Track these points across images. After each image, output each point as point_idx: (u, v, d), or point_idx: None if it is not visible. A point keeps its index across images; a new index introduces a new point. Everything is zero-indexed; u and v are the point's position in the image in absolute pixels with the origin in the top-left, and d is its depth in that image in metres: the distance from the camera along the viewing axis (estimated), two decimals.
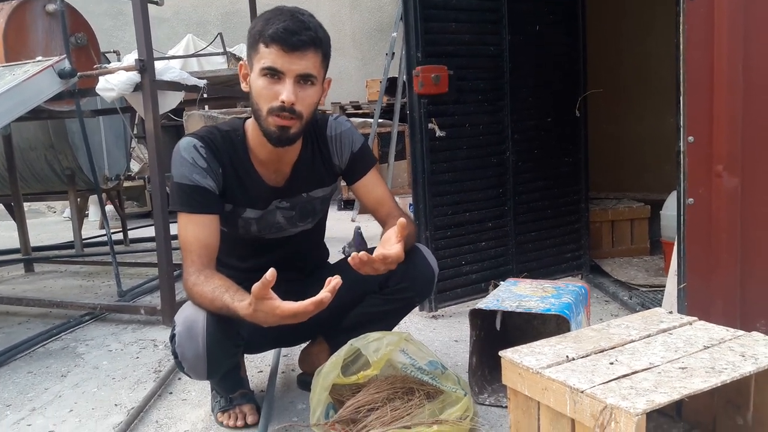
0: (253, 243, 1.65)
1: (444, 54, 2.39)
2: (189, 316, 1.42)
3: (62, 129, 4.01)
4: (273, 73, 1.40)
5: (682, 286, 1.92)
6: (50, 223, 6.89)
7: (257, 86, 1.43)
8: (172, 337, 1.45)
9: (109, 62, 3.53)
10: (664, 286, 2.17)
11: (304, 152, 1.62)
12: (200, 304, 1.42)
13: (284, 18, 1.40)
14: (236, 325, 1.45)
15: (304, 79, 1.43)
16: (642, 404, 1.01)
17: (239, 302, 1.31)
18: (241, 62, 1.51)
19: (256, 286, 1.22)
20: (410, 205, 2.99)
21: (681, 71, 1.87)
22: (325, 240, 1.87)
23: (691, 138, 1.87)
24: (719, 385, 1.09)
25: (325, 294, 1.23)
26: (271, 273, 1.21)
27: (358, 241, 3.58)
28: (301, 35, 1.39)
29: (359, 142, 1.69)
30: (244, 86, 1.51)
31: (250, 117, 1.57)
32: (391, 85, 5.22)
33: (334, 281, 1.24)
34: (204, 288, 1.40)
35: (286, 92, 1.40)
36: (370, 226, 4.55)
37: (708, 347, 1.25)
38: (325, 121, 1.66)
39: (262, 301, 1.25)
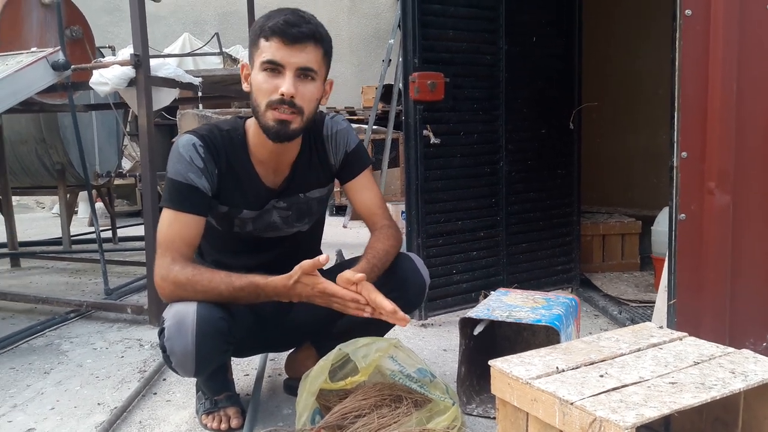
0: (248, 241, 1.64)
1: (441, 61, 2.39)
2: (180, 310, 1.40)
3: (54, 123, 3.97)
4: (273, 67, 1.41)
5: (672, 301, 1.92)
6: (39, 218, 6.83)
7: (257, 81, 1.43)
8: (161, 331, 1.42)
9: (103, 57, 3.51)
10: (654, 302, 2.17)
11: (302, 152, 1.61)
12: (192, 291, 1.40)
13: (285, 13, 1.43)
14: (228, 323, 1.43)
15: (304, 74, 1.43)
16: (632, 418, 1.00)
17: (273, 278, 1.38)
18: (242, 63, 1.50)
19: (306, 262, 1.35)
20: (402, 212, 2.98)
21: (676, 87, 1.87)
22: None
23: (684, 153, 1.87)
24: (709, 401, 1.09)
25: (361, 275, 1.38)
26: (324, 257, 1.37)
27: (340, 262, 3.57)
28: (302, 27, 1.41)
29: (354, 142, 1.69)
30: (245, 86, 1.50)
31: (251, 117, 1.56)
32: (386, 92, 5.23)
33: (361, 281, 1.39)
34: (203, 276, 1.40)
35: (285, 84, 1.41)
36: (362, 233, 4.54)
37: (698, 363, 1.25)
38: (321, 120, 1.65)
39: (308, 275, 1.36)
